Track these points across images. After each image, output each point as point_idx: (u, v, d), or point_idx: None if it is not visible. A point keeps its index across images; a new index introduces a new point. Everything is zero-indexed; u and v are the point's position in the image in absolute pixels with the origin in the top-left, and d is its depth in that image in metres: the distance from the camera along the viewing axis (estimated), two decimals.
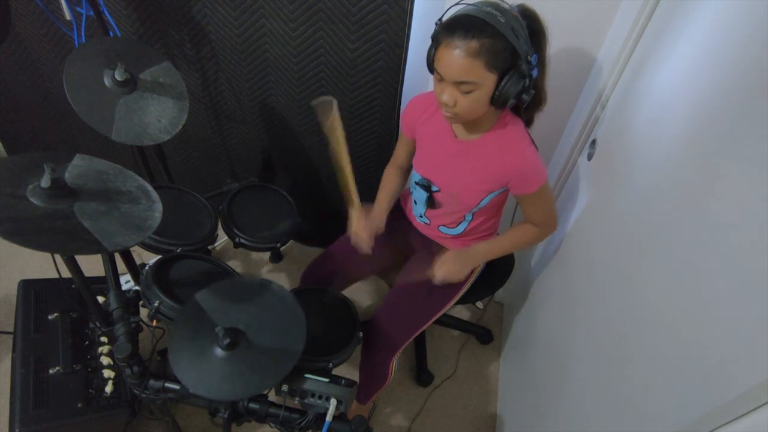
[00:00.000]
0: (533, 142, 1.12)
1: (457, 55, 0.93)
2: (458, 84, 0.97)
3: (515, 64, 0.95)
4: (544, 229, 1.24)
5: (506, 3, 0.95)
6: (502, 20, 0.90)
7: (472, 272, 1.36)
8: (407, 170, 1.39)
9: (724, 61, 0.75)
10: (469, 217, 1.26)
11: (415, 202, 1.34)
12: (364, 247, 1.24)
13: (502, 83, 0.96)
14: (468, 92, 0.97)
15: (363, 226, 1.24)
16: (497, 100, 0.99)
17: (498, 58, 0.93)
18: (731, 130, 0.69)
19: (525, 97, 1.00)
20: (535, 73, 0.98)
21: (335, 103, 1.17)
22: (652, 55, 1.04)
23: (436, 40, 0.97)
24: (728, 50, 0.75)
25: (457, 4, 0.97)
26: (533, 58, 0.96)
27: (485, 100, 0.99)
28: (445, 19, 0.96)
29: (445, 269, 1.20)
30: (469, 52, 0.92)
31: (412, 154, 1.30)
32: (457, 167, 1.18)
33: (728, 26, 0.77)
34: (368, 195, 1.41)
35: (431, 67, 1.01)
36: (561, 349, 1.22)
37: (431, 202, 1.28)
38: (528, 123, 1.16)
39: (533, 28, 0.97)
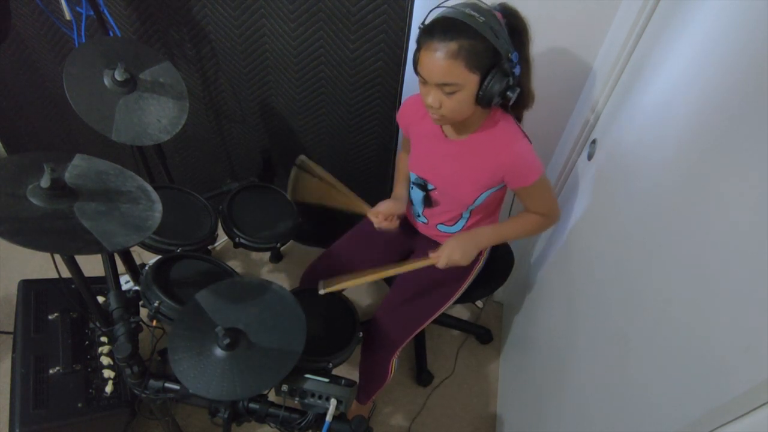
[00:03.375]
0: (526, 135, 1.12)
1: (437, 58, 0.93)
2: (441, 86, 0.97)
3: (497, 63, 0.95)
4: (549, 219, 1.23)
5: (485, 3, 0.95)
6: (481, 20, 0.91)
7: (470, 271, 1.36)
8: None
9: (724, 60, 0.75)
10: (466, 215, 1.26)
11: (412, 202, 1.34)
12: (385, 225, 1.24)
13: (485, 83, 0.97)
14: (451, 93, 0.98)
15: (386, 204, 1.24)
16: (482, 100, 0.99)
17: (478, 58, 0.94)
18: (731, 129, 0.69)
19: (510, 94, 1.00)
20: (518, 70, 0.99)
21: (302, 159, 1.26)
22: (651, 55, 1.04)
23: (419, 43, 0.98)
24: (728, 50, 0.75)
25: (436, 7, 0.97)
26: (514, 56, 0.96)
27: (470, 100, 1.00)
28: (426, 22, 0.97)
29: (449, 252, 1.17)
30: (449, 53, 0.92)
31: None
32: (452, 166, 1.18)
33: (728, 26, 0.77)
34: (369, 196, 1.41)
35: (416, 70, 1.01)
36: (561, 348, 1.22)
37: (428, 201, 1.28)
38: (517, 120, 1.16)
39: (514, 26, 0.98)
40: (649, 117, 0.98)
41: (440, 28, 0.92)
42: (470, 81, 0.96)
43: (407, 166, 1.36)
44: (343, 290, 1.26)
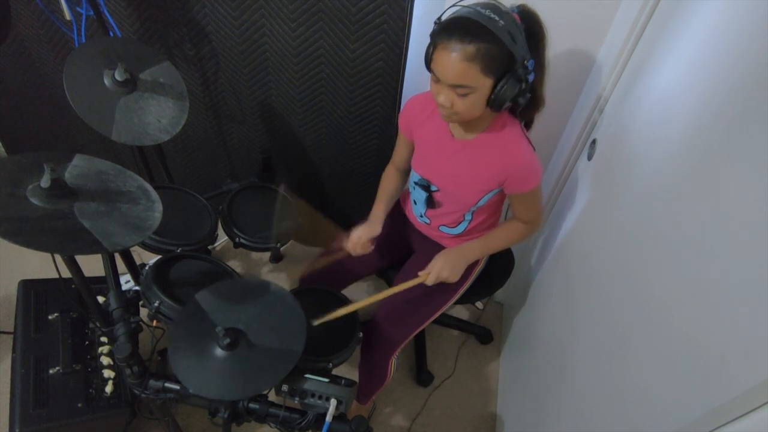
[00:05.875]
0: (530, 141, 1.12)
1: (453, 59, 0.92)
2: (454, 87, 0.97)
3: (512, 68, 0.95)
4: (532, 226, 1.25)
5: (504, 6, 0.94)
6: (500, 24, 0.90)
7: (470, 272, 1.36)
8: (406, 172, 1.39)
9: (725, 60, 0.75)
10: (468, 216, 1.26)
11: (415, 202, 1.34)
12: (360, 251, 1.24)
13: (498, 87, 0.96)
14: (464, 95, 0.98)
15: (360, 231, 1.25)
16: (493, 103, 0.99)
17: (494, 63, 0.93)
18: (731, 129, 0.69)
19: (521, 100, 1.00)
20: (531, 77, 0.98)
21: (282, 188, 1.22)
22: (652, 55, 1.04)
23: (434, 40, 0.97)
24: (728, 50, 0.75)
25: (455, 4, 0.97)
26: (530, 63, 0.96)
27: (481, 102, 1.00)
28: (443, 18, 0.96)
29: (437, 270, 1.18)
30: (466, 56, 0.91)
31: (411, 154, 1.30)
32: (456, 167, 1.18)
33: (728, 26, 0.77)
34: (368, 196, 1.42)
35: (429, 66, 1.01)
36: (561, 349, 1.22)
37: (431, 202, 1.28)
38: (528, 124, 1.16)
39: (532, 30, 0.97)
40: (650, 117, 0.98)
41: (459, 29, 0.91)
42: (484, 84, 0.96)
43: (391, 183, 1.36)
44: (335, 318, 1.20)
